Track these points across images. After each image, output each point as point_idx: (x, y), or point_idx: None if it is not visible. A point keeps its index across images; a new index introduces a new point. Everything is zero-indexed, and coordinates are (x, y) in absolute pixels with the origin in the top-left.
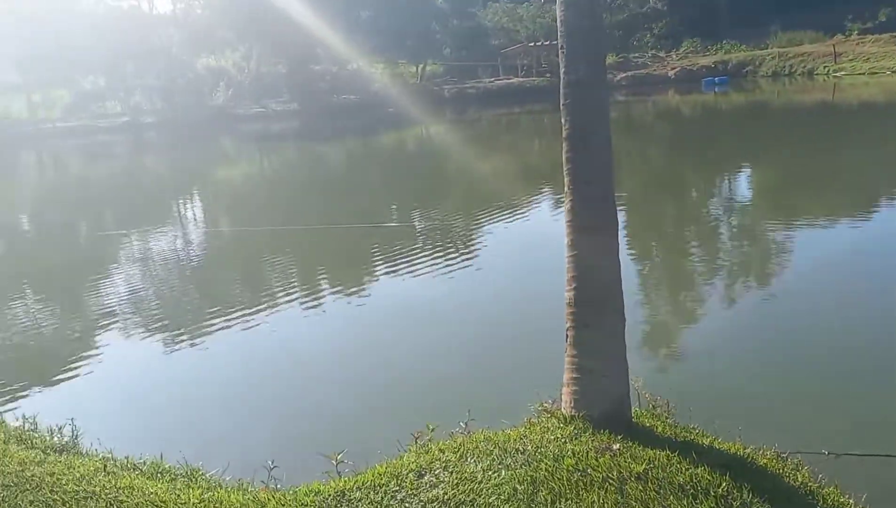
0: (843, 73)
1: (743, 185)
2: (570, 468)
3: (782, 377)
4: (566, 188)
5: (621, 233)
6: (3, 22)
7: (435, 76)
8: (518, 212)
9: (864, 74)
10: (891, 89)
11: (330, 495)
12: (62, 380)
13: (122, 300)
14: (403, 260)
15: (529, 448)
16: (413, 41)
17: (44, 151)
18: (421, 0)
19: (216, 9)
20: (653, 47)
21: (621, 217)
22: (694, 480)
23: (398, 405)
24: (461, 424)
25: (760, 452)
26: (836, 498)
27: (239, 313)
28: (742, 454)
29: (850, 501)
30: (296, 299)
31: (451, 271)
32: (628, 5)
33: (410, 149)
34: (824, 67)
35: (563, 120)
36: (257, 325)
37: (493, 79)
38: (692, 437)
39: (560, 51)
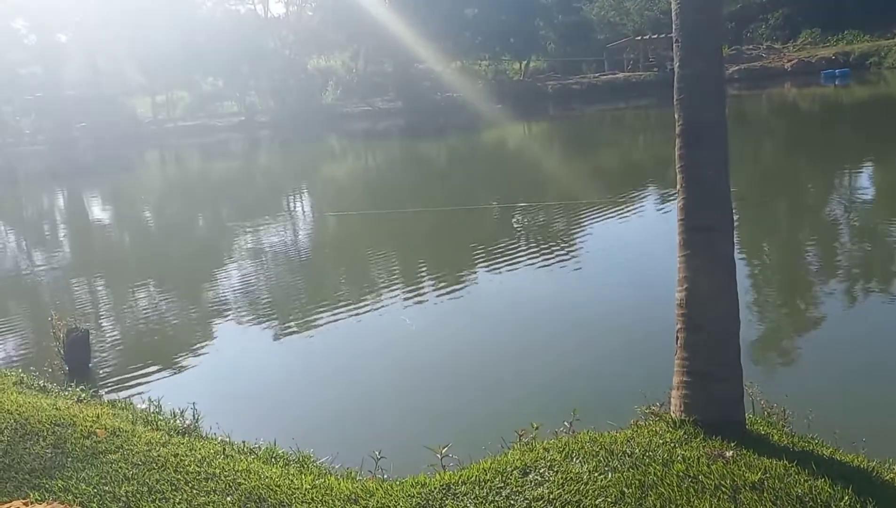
0: None
1: (864, 183)
2: (681, 473)
3: None
4: (678, 186)
5: (734, 232)
6: (132, 28)
7: (538, 72)
8: (622, 210)
9: None
10: None
11: (436, 487)
12: (183, 366)
13: (237, 291)
14: (505, 258)
15: (637, 451)
16: (517, 38)
17: (166, 148)
18: None
19: (327, 11)
20: (768, 38)
21: (734, 215)
22: (813, 492)
23: (501, 402)
24: (565, 423)
25: (886, 465)
26: None
27: (347, 306)
28: (866, 466)
29: None
30: (400, 294)
31: (554, 270)
32: None
33: (512, 146)
34: None
35: (676, 115)
36: (366, 318)
37: (597, 74)
38: (811, 447)
39: (675, 44)
